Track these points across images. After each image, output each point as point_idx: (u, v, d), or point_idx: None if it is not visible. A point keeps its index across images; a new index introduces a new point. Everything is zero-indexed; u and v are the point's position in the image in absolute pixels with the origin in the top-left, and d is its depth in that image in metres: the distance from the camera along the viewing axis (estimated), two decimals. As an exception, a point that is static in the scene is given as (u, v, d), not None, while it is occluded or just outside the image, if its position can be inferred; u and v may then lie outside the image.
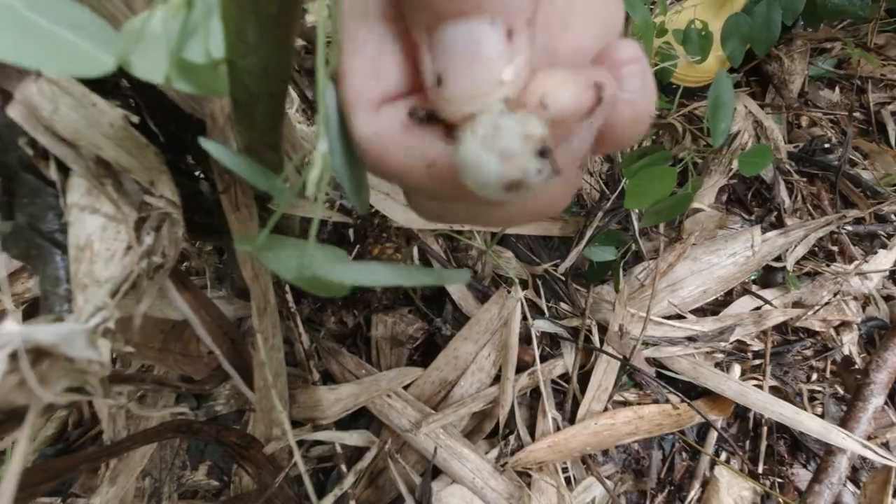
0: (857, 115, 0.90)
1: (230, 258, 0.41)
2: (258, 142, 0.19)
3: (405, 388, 0.49)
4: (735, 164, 0.73)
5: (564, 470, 0.52)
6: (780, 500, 0.50)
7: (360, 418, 0.50)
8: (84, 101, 0.19)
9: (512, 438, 0.51)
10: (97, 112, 0.19)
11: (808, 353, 0.66)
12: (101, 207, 0.20)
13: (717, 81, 0.44)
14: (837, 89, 0.93)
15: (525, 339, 0.57)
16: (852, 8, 0.83)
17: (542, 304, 0.61)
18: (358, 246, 0.44)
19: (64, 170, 0.20)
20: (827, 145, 0.84)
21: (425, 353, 0.56)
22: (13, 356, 0.14)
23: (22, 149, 0.24)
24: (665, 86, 0.78)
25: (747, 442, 0.59)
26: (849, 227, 0.76)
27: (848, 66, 0.93)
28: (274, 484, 0.49)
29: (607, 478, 0.54)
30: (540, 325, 0.58)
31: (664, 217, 0.46)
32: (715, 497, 0.48)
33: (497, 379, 0.53)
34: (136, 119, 0.21)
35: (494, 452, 0.50)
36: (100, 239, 0.21)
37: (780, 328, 0.67)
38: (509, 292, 0.54)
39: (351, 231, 0.45)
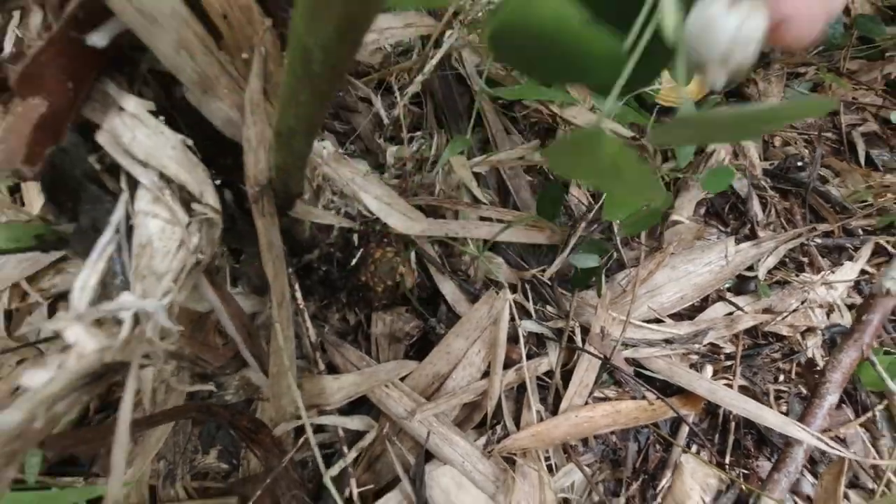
0: (830, 135, 0.96)
1: (248, 259, 0.46)
2: (290, 164, 0.24)
3: (402, 379, 0.54)
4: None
5: (547, 458, 0.56)
6: (743, 486, 0.55)
7: (360, 406, 0.54)
8: (156, 130, 0.24)
9: (499, 428, 0.56)
10: (164, 138, 0.24)
11: (776, 355, 0.71)
12: (161, 213, 0.25)
13: (677, 122, 0.49)
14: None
15: (513, 338, 0.62)
16: (825, 36, 0.89)
17: (530, 306, 0.66)
18: (362, 249, 0.49)
19: (132, 183, 0.26)
20: (800, 163, 0.90)
21: (420, 349, 0.61)
22: (122, 322, 0.19)
23: (88, 164, 0.29)
24: (650, 105, 0.84)
25: (716, 436, 0.64)
26: (818, 240, 0.82)
27: (822, 90, 0.99)
28: (280, 465, 0.53)
29: (587, 466, 0.59)
30: (527, 326, 0.63)
31: (640, 227, 0.51)
32: (679, 480, 0.53)
33: (486, 373, 0.58)
34: (191, 143, 0.26)
35: (483, 440, 0.55)
36: (158, 238, 0.26)
37: (751, 332, 0.72)
38: (498, 293, 0.59)
39: (355, 236, 0.50)
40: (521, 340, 0.61)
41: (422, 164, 0.64)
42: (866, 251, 0.80)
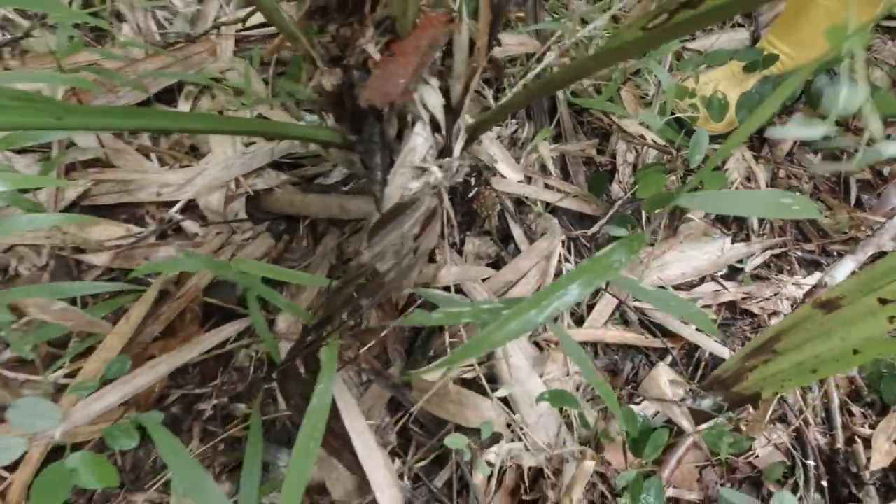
0: (830, 177, 1.21)
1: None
2: (491, 121, 0.52)
3: (483, 280, 0.82)
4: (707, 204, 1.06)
5: (571, 355, 0.84)
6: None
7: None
8: (437, 94, 0.53)
9: (540, 328, 0.84)
10: (437, 97, 0.53)
11: (747, 327, 0.98)
12: (423, 133, 0.54)
13: (697, 135, 0.76)
14: (820, 155, 1.24)
15: (558, 274, 0.90)
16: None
17: (572, 258, 0.94)
18: (476, 187, 0.78)
19: (414, 117, 0.54)
20: (799, 194, 1.15)
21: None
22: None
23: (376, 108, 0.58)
24: (686, 128, 1.11)
25: (690, 370, 0.91)
26: (800, 254, 1.07)
27: (831, 140, 1.24)
28: (392, 325, 0.82)
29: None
30: (568, 267, 0.91)
31: (657, 206, 0.78)
32: (656, 370, 0.80)
33: (538, 289, 0.86)
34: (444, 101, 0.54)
35: (529, 333, 0.83)
36: (420, 146, 0.54)
37: (731, 308, 0.98)
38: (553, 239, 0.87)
39: (473, 178, 0.78)
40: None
41: (514, 143, 0.93)
42: (838, 270, 1.05)
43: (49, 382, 0.74)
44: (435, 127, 0.55)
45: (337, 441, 0.69)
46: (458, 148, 0.53)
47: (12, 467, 0.72)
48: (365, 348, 0.76)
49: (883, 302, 0.46)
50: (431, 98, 0.52)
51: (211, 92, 1.04)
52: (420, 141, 0.54)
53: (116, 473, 0.58)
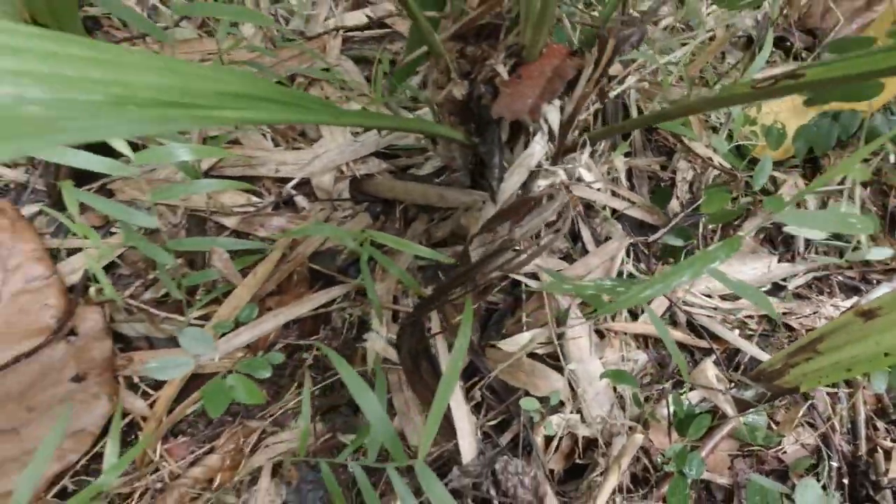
0: (877, 210, 1.30)
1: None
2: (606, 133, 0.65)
3: (558, 271, 0.95)
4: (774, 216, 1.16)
5: (627, 344, 0.96)
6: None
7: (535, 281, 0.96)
8: (555, 108, 0.65)
9: (601, 318, 0.96)
10: (556, 113, 0.66)
11: (785, 340, 1.08)
12: (541, 142, 0.67)
13: (762, 161, 0.87)
14: (869, 189, 1.33)
15: (620, 273, 1.02)
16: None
17: (630, 261, 1.06)
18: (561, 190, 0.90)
19: (535, 128, 0.67)
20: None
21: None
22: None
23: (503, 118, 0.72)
24: (746, 155, 1.21)
25: (730, 370, 1.02)
26: (841, 278, 1.17)
27: (881, 175, 1.33)
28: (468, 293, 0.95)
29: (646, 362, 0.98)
30: (629, 269, 1.03)
31: (719, 220, 0.90)
32: (704, 363, 0.92)
33: (600, 286, 0.98)
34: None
35: (592, 320, 0.95)
36: (537, 152, 0.67)
37: (772, 321, 1.09)
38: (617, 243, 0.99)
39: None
40: (625, 275, 1.01)
41: (593, 154, 1.05)
42: (874, 294, 1.15)
43: (187, 321, 0.90)
44: (549, 137, 0.68)
45: (428, 391, 0.83)
46: (584, 157, 0.66)
47: (156, 387, 0.88)
48: (457, 318, 0.89)
49: (914, 314, 0.57)
50: (552, 114, 0.65)
51: (319, 84, 1.19)
52: (538, 148, 0.67)
53: (262, 395, 0.73)
